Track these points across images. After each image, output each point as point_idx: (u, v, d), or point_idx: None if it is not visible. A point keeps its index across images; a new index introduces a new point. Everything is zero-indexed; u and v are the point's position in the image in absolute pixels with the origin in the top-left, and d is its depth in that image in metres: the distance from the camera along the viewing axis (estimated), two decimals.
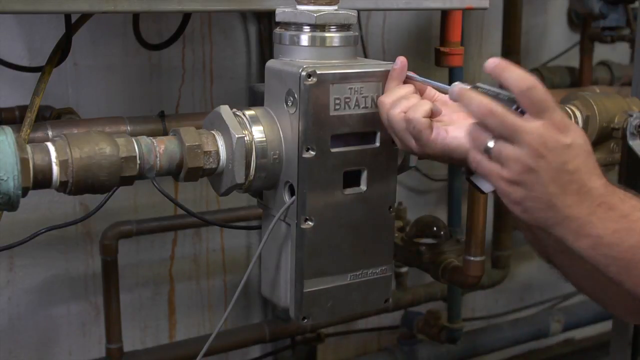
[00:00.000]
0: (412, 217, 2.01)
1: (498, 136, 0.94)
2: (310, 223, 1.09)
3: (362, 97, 1.09)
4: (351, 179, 1.11)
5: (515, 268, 2.79)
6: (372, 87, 1.10)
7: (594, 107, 1.50)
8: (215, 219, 2.05)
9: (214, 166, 1.13)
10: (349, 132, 1.09)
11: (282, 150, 1.12)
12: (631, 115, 1.48)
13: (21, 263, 2.02)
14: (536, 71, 2.55)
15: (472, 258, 1.56)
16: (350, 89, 1.08)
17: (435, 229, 1.80)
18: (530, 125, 0.92)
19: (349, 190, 1.11)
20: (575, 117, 1.51)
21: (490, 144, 0.95)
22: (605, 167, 1.57)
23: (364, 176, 1.12)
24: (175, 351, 2.10)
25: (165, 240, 2.19)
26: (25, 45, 1.89)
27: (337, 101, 1.07)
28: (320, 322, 1.47)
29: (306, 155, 1.07)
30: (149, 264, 2.19)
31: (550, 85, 2.52)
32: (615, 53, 2.76)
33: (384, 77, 1.10)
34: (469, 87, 0.98)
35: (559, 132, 0.92)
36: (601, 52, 2.64)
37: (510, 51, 2.41)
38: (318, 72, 1.05)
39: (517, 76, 0.94)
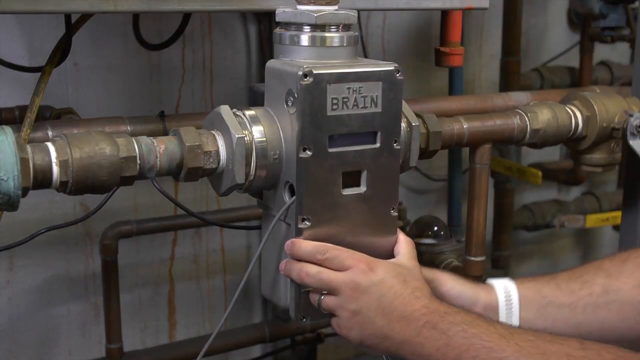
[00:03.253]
0: (412, 217, 2.01)
1: (326, 293, 1.07)
2: (307, 223, 1.09)
3: (362, 97, 1.08)
4: (351, 180, 1.11)
5: (515, 268, 2.79)
6: (371, 87, 1.09)
7: (594, 107, 1.50)
8: (215, 219, 2.05)
9: (214, 166, 1.13)
10: (347, 132, 1.08)
11: (282, 150, 1.12)
12: (631, 115, 1.48)
13: (21, 263, 2.02)
14: (536, 71, 2.55)
15: (472, 258, 1.56)
16: (349, 88, 1.07)
17: (435, 229, 1.80)
18: (341, 275, 1.05)
19: (348, 191, 1.10)
20: (576, 117, 1.50)
21: (320, 298, 1.08)
22: (605, 167, 1.57)
23: (364, 177, 1.11)
24: (175, 351, 2.10)
25: (165, 240, 2.19)
26: (25, 45, 1.89)
27: (335, 101, 1.07)
28: (320, 322, 1.46)
29: (303, 155, 1.07)
30: (149, 264, 2.19)
31: (551, 85, 2.53)
32: (615, 53, 2.76)
33: (384, 76, 1.09)
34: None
35: (368, 273, 1.05)
36: (601, 52, 2.64)
37: (510, 51, 2.41)
38: (315, 71, 1.05)
39: (310, 248, 1.07)
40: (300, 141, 1.07)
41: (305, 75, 1.04)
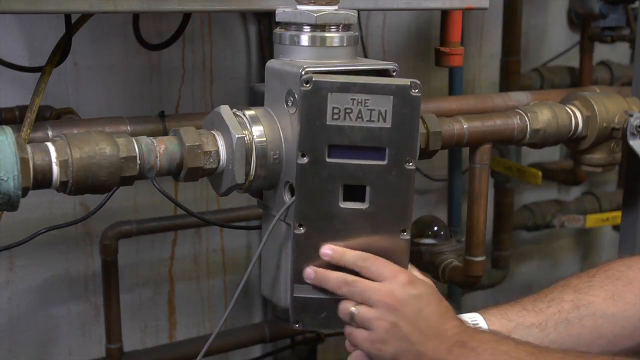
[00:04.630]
0: (412, 217, 2.01)
1: (358, 303, 1.03)
2: (302, 229, 1.06)
3: (367, 109, 1.03)
4: (355, 193, 1.06)
5: (515, 268, 2.79)
6: (380, 101, 1.03)
7: (594, 107, 1.50)
8: (215, 219, 2.05)
9: (214, 166, 1.13)
10: (349, 144, 1.04)
11: (282, 151, 1.12)
12: (631, 115, 1.48)
13: (21, 263, 2.02)
14: (536, 71, 2.55)
15: (472, 258, 1.56)
16: (353, 99, 1.02)
17: (435, 229, 1.80)
18: (379, 285, 1.03)
19: (347, 204, 1.06)
20: (576, 117, 1.50)
21: (353, 310, 1.04)
22: (605, 167, 1.57)
23: (368, 193, 1.05)
24: (175, 351, 2.10)
25: (165, 240, 2.19)
26: (25, 45, 1.89)
27: (336, 111, 1.02)
28: None
29: (300, 160, 1.04)
30: (149, 264, 2.19)
31: (551, 85, 2.53)
32: (615, 53, 2.76)
33: (396, 91, 1.03)
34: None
35: (407, 286, 1.03)
36: (601, 52, 2.64)
37: (510, 51, 2.41)
38: (314, 79, 1.01)
39: (352, 255, 1.05)
40: (298, 146, 1.04)
41: (306, 82, 1.02)
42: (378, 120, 1.03)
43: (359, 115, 1.03)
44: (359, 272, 1.05)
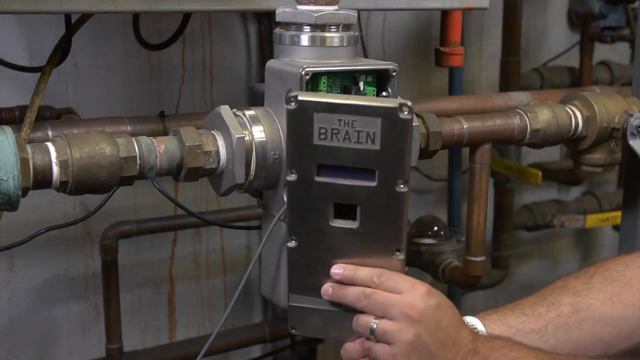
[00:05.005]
0: (412, 217, 2.01)
1: (379, 317, 1.01)
2: (294, 242, 1.05)
3: (355, 131, 0.97)
4: (347, 212, 1.03)
5: (515, 268, 2.79)
6: (368, 122, 0.97)
7: (594, 107, 1.50)
8: (215, 219, 2.05)
9: (214, 166, 1.13)
10: (336, 164, 1.00)
11: (282, 151, 1.12)
12: (631, 115, 1.48)
13: (21, 263, 2.02)
14: (536, 71, 2.55)
15: (472, 258, 1.56)
16: (340, 120, 0.97)
17: (435, 229, 1.80)
18: (399, 297, 1.01)
19: (338, 222, 1.03)
20: (576, 117, 1.50)
21: (373, 325, 1.01)
22: (605, 167, 1.57)
23: (358, 213, 1.02)
24: (175, 351, 2.10)
25: (165, 240, 2.19)
26: (25, 45, 1.89)
27: (323, 131, 0.98)
28: None
29: (289, 177, 1.01)
30: (149, 264, 2.19)
31: (551, 85, 2.53)
32: (615, 53, 2.76)
33: (384, 113, 0.97)
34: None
35: (426, 297, 1.01)
36: (601, 52, 2.64)
37: (510, 51, 2.41)
38: (300, 98, 0.97)
39: (366, 272, 1.03)
40: (286, 163, 1.02)
41: (290, 99, 0.98)
42: (366, 142, 0.98)
43: (347, 136, 0.98)
44: (374, 288, 1.03)
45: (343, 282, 1.04)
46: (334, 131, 0.98)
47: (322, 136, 0.99)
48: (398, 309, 1.00)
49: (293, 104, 0.98)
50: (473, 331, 1.04)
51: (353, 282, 1.03)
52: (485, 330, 1.10)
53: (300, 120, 0.98)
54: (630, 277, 1.15)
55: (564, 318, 1.12)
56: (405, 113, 0.96)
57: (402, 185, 1.01)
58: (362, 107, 0.98)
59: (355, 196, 1.01)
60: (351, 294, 1.03)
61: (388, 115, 0.96)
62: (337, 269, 1.04)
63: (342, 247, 1.04)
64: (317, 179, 1.01)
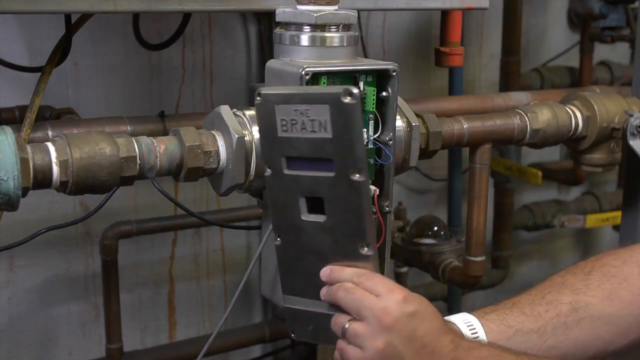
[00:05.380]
0: (412, 217, 2.01)
1: (353, 317, 0.99)
2: (279, 240, 1.05)
3: (309, 120, 0.98)
4: (317, 206, 1.03)
5: (515, 268, 2.79)
6: (319, 111, 0.97)
7: (594, 107, 1.50)
8: (215, 219, 2.05)
9: (214, 166, 1.13)
10: (299, 155, 1.01)
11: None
12: (631, 115, 1.48)
13: (21, 263, 2.02)
14: (536, 71, 2.55)
15: (472, 258, 1.56)
16: (296, 110, 0.98)
17: (435, 229, 1.80)
18: (375, 300, 0.98)
19: (309, 217, 1.03)
20: (576, 117, 1.50)
21: (346, 325, 0.99)
22: (605, 167, 1.57)
23: (325, 205, 1.02)
24: (175, 351, 2.10)
25: (165, 240, 2.19)
26: (25, 45, 1.89)
27: (284, 122, 1.00)
28: None
29: (266, 173, 1.03)
30: (149, 264, 2.19)
31: (551, 85, 2.53)
32: (615, 53, 2.76)
33: (329, 100, 0.96)
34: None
35: (402, 303, 0.97)
36: (601, 52, 2.64)
37: (510, 51, 2.41)
38: (263, 92, 1.00)
39: (349, 272, 1.01)
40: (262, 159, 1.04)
41: (256, 95, 1.00)
42: (320, 131, 0.98)
43: (304, 126, 0.99)
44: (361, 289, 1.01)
45: (332, 278, 1.03)
46: (293, 122, 0.99)
47: (284, 128, 1.00)
48: (371, 312, 0.97)
49: (258, 98, 1.00)
50: (457, 338, 1.01)
51: (339, 282, 1.02)
52: (483, 330, 1.08)
53: (265, 113, 1.01)
54: (628, 272, 1.15)
55: (562, 317, 1.11)
56: (349, 98, 0.95)
57: (357, 175, 0.98)
58: (311, 95, 0.98)
59: (318, 188, 1.01)
60: (333, 288, 1.02)
61: (334, 102, 0.96)
62: (326, 270, 1.03)
63: (316, 243, 1.03)
64: (286, 172, 1.02)
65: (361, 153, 0.98)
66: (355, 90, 0.94)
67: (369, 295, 0.99)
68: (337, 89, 0.96)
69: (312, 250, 1.04)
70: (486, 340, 1.08)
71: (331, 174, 0.99)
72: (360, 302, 0.98)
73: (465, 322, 1.09)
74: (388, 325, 0.96)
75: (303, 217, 1.03)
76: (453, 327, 1.05)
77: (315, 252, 1.04)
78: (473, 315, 1.11)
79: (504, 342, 1.08)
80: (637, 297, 1.12)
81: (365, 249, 1.01)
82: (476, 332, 1.08)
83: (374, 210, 1.14)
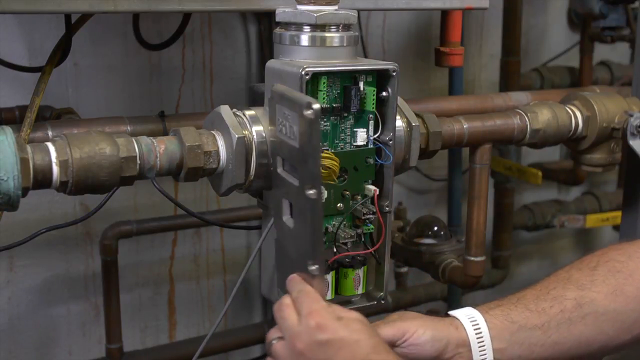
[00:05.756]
0: (412, 217, 2.02)
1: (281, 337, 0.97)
2: (277, 235, 1.07)
3: (289, 124, 0.99)
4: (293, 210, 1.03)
5: (515, 268, 2.79)
6: (293, 117, 0.97)
7: (594, 107, 1.50)
8: (215, 219, 2.05)
9: (214, 166, 1.13)
10: (282, 157, 1.02)
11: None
12: (631, 115, 1.48)
13: (21, 263, 2.02)
14: (536, 71, 2.55)
15: (472, 258, 1.56)
16: (284, 113, 1.00)
17: (435, 229, 1.80)
18: (296, 322, 0.94)
19: (286, 220, 1.03)
20: (576, 117, 1.50)
21: (272, 342, 0.98)
22: (605, 167, 1.57)
23: (293, 213, 1.01)
24: (175, 351, 2.10)
25: (165, 240, 2.19)
26: (25, 45, 1.89)
27: (280, 122, 1.02)
28: None
29: (272, 167, 1.04)
30: (149, 264, 2.19)
31: (551, 85, 2.53)
32: (615, 53, 2.76)
33: (298, 109, 0.94)
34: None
35: (315, 330, 0.93)
36: (601, 52, 2.64)
37: (510, 51, 2.41)
38: (273, 88, 1.03)
39: (295, 286, 0.98)
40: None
41: (270, 92, 1.03)
42: (293, 138, 0.98)
43: (286, 130, 1.00)
44: (293, 303, 0.98)
45: (288, 287, 1.01)
46: (282, 124, 1.01)
47: (279, 127, 1.03)
48: (287, 334, 0.95)
49: (270, 95, 1.04)
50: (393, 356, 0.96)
51: (289, 285, 1.01)
52: (486, 326, 1.08)
53: (272, 110, 1.04)
54: (633, 268, 1.14)
55: (567, 313, 1.10)
56: (308, 112, 0.92)
57: (310, 191, 0.94)
58: (290, 100, 0.98)
59: (289, 194, 1.00)
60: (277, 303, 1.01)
61: (300, 111, 0.94)
62: (289, 277, 1.01)
63: (290, 249, 1.02)
64: (279, 170, 1.03)
65: (315, 169, 0.94)
66: (316, 106, 0.92)
67: (292, 316, 0.96)
68: (306, 98, 0.95)
69: (292, 256, 1.03)
70: (489, 339, 1.07)
71: (296, 183, 0.98)
72: (283, 322, 0.97)
73: (468, 317, 1.08)
74: (299, 351, 0.93)
75: (284, 219, 1.03)
76: (390, 355, 0.97)
77: (290, 258, 1.03)
78: (477, 310, 1.10)
79: (508, 337, 1.08)
80: None
81: (313, 267, 0.97)
82: (479, 328, 1.08)
83: (372, 212, 1.14)
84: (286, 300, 0.98)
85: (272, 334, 0.99)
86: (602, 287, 1.12)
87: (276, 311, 0.99)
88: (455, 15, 1.54)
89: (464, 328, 1.08)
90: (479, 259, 1.56)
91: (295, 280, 0.99)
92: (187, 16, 1.59)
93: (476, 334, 1.07)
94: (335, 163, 1.09)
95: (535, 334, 1.09)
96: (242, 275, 1.14)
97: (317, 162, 0.94)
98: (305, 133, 0.93)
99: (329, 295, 1.17)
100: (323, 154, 1.08)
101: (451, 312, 1.11)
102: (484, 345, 1.07)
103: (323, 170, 1.08)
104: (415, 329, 1.06)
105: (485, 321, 1.09)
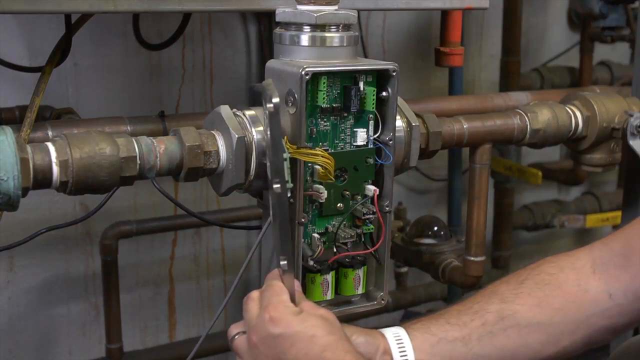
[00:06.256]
0: (412, 217, 2.02)
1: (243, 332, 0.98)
2: None
3: (266, 117, 1.01)
4: None
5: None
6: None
7: (595, 107, 1.50)
8: (215, 219, 2.05)
9: (214, 166, 1.13)
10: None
11: (286, 151, 1.11)
12: (631, 115, 1.48)
13: (21, 263, 2.02)
14: (536, 71, 2.55)
15: (472, 258, 1.56)
16: (268, 106, 1.00)
17: (435, 229, 1.80)
18: (255, 316, 0.96)
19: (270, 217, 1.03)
20: (576, 117, 1.50)
21: (234, 336, 1.00)
22: (605, 167, 1.57)
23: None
24: (175, 351, 2.10)
25: (165, 240, 2.19)
26: (25, 45, 1.89)
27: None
28: None
29: None
30: (149, 264, 2.19)
31: (551, 85, 2.53)
32: (615, 53, 2.76)
33: (265, 102, 0.97)
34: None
35: (268, 323, 0.93)
36: (601, 52, 2.64)
37: (510, 51, 2.41)
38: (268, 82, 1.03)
39: (267, 279, 1.00)
40: None
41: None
42: (266, 131, 1.00)
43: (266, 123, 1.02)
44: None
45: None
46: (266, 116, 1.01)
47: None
48: (247, 326, 0.97)
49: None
50: (352, 354, 0.95)
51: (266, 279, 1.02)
52: (410, 340, 1.08)
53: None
54: (563, 279, 1.11)
55: (488, 326, 1.09)
56: (269, 106, 0.95)
57: (275, 185, 0.97)
58: (265, 92, 0.98)
59: (271, 200, 1.00)
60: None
61: (264, 105, 0.96)
62: (269, 274, 1.03)
63: (271, 243, 1.03)
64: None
65: (277, 164, 0.97)
66: (275, 100, 0.94)
67: (254, 309, 0.97)
68: (268, 93, 0.96)
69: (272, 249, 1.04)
70: (412, 350, 1.07)
71: (274, 190, 0.98)
72: (245, 315, 0.98)
73: (394, 334, 1.09)
74: (253, 343, 0.95)
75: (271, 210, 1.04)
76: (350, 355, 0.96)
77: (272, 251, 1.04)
78: (402, 327, 1.10)
79: (429, 349, 1.08)
80: (570, 304, 1.10)
81: (283, 262, 0.99)
82: (402, 343, 1.08)
83: (372, 212, 1.14)
84: (253, 294, 1.00)
85: (233, 329, 1.01)
86: (526, 300, 1.11)
87: (243, 304, 1.00)
88: (455, 15, 1.54)
89: (387, 338, 1.08)
90: (479, 259, 1.56)
91: (269, 276, 1.01)
92: (187, 16, 1.59)
93: (398, 345, 1.07)
94: (329, 162, 1.08)
95: (457, 346, 1.08)
96: (238, 277, 1.14)
97: (279, 156, 0.97)
98: (270, 125, 0.96)
99: (329, 295, 1.17)
100: (318, 153, 1.08)
101: (381, 330, 1.11)
102: (405, 355, 1.07)
103: (320, 170, 1.08)
104: (351, 334, 1.07)
105: (408, 334, 1.09)
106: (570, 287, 1.11)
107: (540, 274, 1.14)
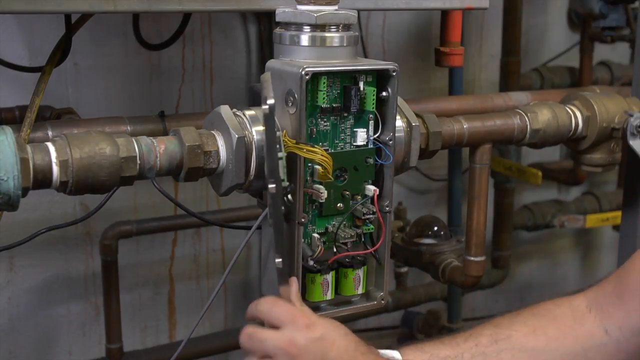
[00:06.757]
0: (412, 217, 2.01)
1: (261, 357, 0.98)
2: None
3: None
4: None
5: (515, 268, 2.79)
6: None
7: (595, 107, 1.50)
8: (215, 219, 2.05)
9: (214, 166, 1.13)
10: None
11: (282, 151, 1.11)
12: (631, 115, 1.48)
13: (21, 263, 2.02)
14: (536, 71, 2.55)
15: (472, 258, 1.56)
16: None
17: (435, 229, 1.80)
18: (278, 334, 0.96)
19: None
20: (576, 117, 1.50)
21: None
22: (605, 167, 1.57)
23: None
24: (175, 351, 2.10)
25: (165, 240, 2.19)
26: (25, 45, 1.89)
27: None
28: None
29: None
30: (149, 264, 2.19)
31: (551, 85, 2.53)
32: (615, 53, 2.76)
33: (261, 104, 0.98)
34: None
35: (306, 330, 0.96)
36: (601, 52, 2.64)
37: (510, 51, 2.41)
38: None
39: (262, 303, 1.01)
40: None
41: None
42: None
43: None
44: (267, 321, 1.00)
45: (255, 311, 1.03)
46: None
47: None
48: (277, 346, 0.96)
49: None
50: (371, 356, 1.00)
51: (258, 315, 1.02)
52: (400, 354, 1.09)
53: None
54: (559, 313, 1.12)
55: (481, 347, 1.09)
56: (265, 107, 0.96)
57: (270, 185, 0.98)
58: (263, 93, 0.99)
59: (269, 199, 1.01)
60: (241, 336, 1.01)
61: (262, 104, 0.97)
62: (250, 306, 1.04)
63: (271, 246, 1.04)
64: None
65: (271, 164, 0.97)
66: (270, 101, 0.95)
67: (270, 333, 0.98)
68: (264, 94, 0.97)
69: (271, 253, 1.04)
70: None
71: (271, 190, 0.99)
72: (264, 343, 0.97)
73: (384, 355, 1.09)
74: (295, 354, 0.95)
75: (268, 217, 1.04)
76: (372, 348, 1.03)
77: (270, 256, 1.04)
78: (396, 350, 1.11)
79: None
80: (567, 335, 1.10)
81: (278, 260, 1.01)
82: (393, 357, 1.09)
83: (372, 212, 1.14)
84: (248, 329, 1.00)
85: (251, 359, 0.99)
86: (521, 327, 1.11)
87: (246, 342, 0.99)
88: (455, 15, 1.54)
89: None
90: (479, 259, 1.56)
91: (261, 303, 1.01)
92: (187, 16, 1.59)
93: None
94: (327, 161, 1.09)
95: None
96: (224, 278, 1.15)
97: (273, 156, 0.97)
98: (266, 127, 0.97)
99: (329, 295, 1.17)
100: (317, 150, 1.08)
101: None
102: None
103: (320, 169, 1.08)
104: None
105: (400, 353, 1.10)
106: (566, 319, 1.11)
107: (536, 307, 1.15)
